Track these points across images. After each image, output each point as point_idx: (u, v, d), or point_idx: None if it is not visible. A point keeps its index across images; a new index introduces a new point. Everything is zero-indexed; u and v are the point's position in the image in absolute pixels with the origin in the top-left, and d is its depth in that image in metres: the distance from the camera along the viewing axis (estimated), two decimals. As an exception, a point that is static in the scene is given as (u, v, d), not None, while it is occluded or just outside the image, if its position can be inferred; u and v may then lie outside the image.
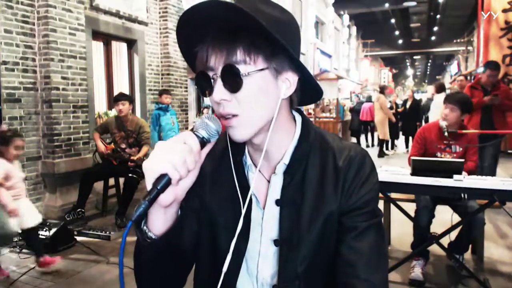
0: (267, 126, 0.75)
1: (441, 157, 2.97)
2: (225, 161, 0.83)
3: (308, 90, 0.81)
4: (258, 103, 0.72)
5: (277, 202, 0.79)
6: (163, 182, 0.64)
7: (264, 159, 0.79)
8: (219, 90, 0.70)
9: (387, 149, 10.12)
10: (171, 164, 0.64)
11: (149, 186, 0.65)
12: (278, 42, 0.68)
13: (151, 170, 0.65)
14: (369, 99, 11.98)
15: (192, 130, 0.72)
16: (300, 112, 0.85)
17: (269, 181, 0.81)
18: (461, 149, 2.97)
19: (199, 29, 0.72)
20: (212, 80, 0.71)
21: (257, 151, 0.80)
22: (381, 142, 9.61)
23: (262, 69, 0.71)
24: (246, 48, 0.69)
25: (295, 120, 0.83)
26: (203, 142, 0.71)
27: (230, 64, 0.69)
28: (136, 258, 0.79)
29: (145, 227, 0.73)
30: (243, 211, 0.74)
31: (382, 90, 9.78)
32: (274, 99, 0.74)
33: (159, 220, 0.72)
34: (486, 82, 4.48)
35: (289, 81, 0.75)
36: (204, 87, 0.73)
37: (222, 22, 0.69)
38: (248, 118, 0.72)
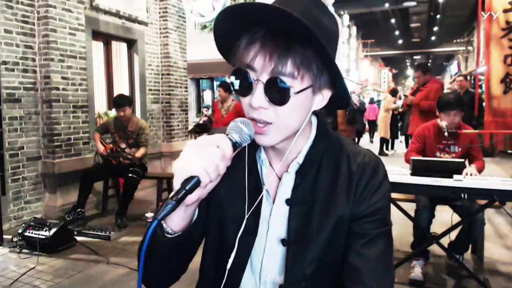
0: (294, 134, 0.75)
1: (440, 157, 2.98)
2: (238, 154, 0.82)
3: (336, 103, 0.80)
4: (294, 116, 0.72)
5: (287, 202, 0.79)
6: (192, 183, 0.63)
7: (279, 156, 0.79)
8: (260, 97, 0.69)
9: (387, 149, 10.17)
10: (204, 169, 0.63)
11: (177, 185, 0.64)
12: (330, 61, 0.68)
13: (183, 171, 0.64)
14: (371, 101, 13.22)
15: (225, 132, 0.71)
16: (316, 114, 0.84)
17: (280, 179, 0.81)
18: (460, 149, 2.98)
19: (250, 22, 0.69)
20: (253, 83, 0.70)
21: (273, 149, 0.81)
22: (382, 140, 9.75)
23: (307, 88, 0.70)
24: (297, 61, 0.67)
25: (311, 122, 0.83)
26: (235, 147, 0.70)
27: (279, 78, 0.67)
28: (148, 251, 0.78)
29: (163, 223, 0.73)
30: (247, 205, 0.74)
31: (393, 92, 10.18)
32: (307, 112, 0.74)
33: (179, 217, 0.72)
34: (417, 81, 5.16)
35: (323, 96, 0.75)
36: (241, 86, 0.72)
37: (277, 24, 0.66)
38: (280, 127, 0.72)
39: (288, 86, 0.67)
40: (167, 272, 0.81)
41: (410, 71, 45.20)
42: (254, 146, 0.81)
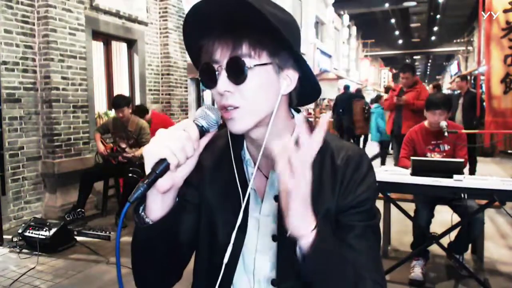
0: (266, 120, 0.76)
1: (431, 157, 3.01)
2: (224, 156, 0.85)
3: (307, 88, 0.82)
4: (260, 97, 0.74)
5: (276, 198, 0.80)
6: (162, 166, 0.66)
7: (263, 155, 0.80)
8: (223, 81, 0.72)
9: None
10: (170, 149, 0.66)
11: (148, 169, 0.67)
12: (284, 40, 0.70)
13: (150, 154, 0.67)
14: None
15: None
16: (299, 112, 0.86)
17: (267, 177, 0.82)
18: (449, 147, 3.01)
19: (206, 23, 0.73)
20: (216, 72, 0.73)
21: (255, 146, 0.82)
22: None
23: (265, 64, 0.73)
24: (251, 42, 0.71)
25: (294, 119, 0.84)
26: (202, 131, 0.73)
27: (235, 57, 0.71)
28: (132, 243, 0.80)
29: (142, 213, 0.75)
30: (243, 205, 0.75)
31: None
32: (274, 94, 0.76)
33: (157, 206, 0.73)
34: (402, 84, 5.09)
35: (289, 78, 0.77)
36: (208, 78, 0.75)
37: (229, 17, 0.70)
38: (248, 110, 0.74)
39: (245, 63, 0.71)
40: (155, 271, 0.81)
41: (410, 71, 45.13)
42: (238, 147, 0.84)
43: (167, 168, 0.67)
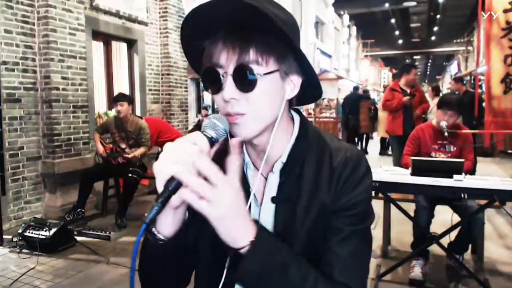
0: (271, 126, 0.76)
1: (435, 157, 3.00)
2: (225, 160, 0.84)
3: (309, 91, 0.82)
4: (266, 103, 0.73)
5: (273, 200, 0.80)
6: (175, 183, 0.63)
7: (262, 157, 0.80)
8: (230, 88, 0.71)
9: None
10: (182, 166, 0.64)
11: (160, 187, 0.64)
12: (289, 42, 0.69)
13: (161, 172, 0.64)
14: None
15: (201, 130, 0.72)
16: (298, 112, 0.86)
17: (266, 179, 0.82)
18: (455, 148, 3.01)
19: (208, 24, 0.71)
20: (221, 78, 0.72)
21: (255, 150, 0.82)
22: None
23: (273, 71, 0.72)
24: (259, 48, 0.70)
25: (293, 120, 0.84)
26: (211, 142, 0.71)
27: (244, 64, 0.69)
28: (142, 256, 0.79)
29: (154, 229, 0.73)
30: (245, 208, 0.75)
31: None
32: (279, 100, 0.75)
33: (168, 222, 0.71)
34: (413, 80, 4.96)
35: (293, 84, 0.76)
36: (212, 83, 0.73)
37: (234, 19, 0.69)
38: (254, 117, 0.73)
39: (254, 71, 0.69)
40: (165, 281, 0.81)
41: (410, 71, 45.05)
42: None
43: (180, 184, 0.64)
